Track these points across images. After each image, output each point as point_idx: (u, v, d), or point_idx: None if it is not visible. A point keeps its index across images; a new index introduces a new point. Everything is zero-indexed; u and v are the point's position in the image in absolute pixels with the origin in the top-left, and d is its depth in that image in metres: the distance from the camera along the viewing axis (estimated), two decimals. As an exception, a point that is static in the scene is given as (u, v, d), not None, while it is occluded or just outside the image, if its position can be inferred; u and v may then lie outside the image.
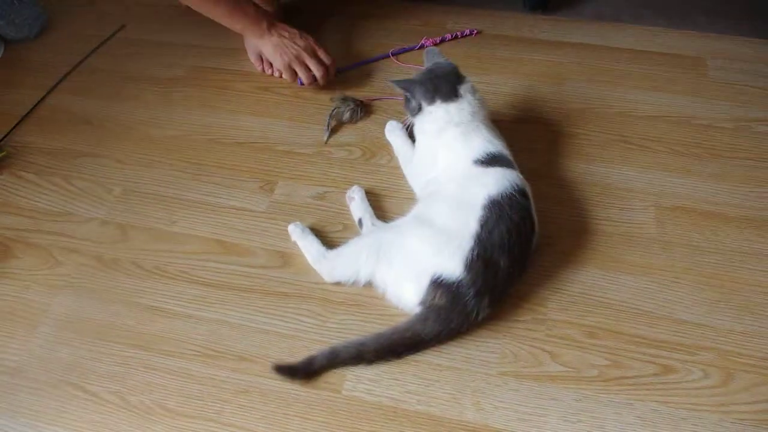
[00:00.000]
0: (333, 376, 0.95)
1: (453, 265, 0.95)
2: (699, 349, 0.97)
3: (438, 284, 0.95)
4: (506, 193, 1.00)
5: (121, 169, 1.27)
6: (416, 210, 1.06)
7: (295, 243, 1.10)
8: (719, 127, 1.31)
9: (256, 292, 1.06)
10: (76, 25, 1.62)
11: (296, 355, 0.97)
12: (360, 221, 1.11)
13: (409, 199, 1.17)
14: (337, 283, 1.05)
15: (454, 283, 0.94)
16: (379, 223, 1.11)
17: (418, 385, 0.94)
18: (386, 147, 1.28)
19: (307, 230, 1.10)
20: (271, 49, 1.39)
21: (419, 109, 1.12)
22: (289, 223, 1.13)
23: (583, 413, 0.91)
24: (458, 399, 0.93)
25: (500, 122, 1.27)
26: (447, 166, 1.09)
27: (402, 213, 1.14)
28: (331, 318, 1.02)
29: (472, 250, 0.95)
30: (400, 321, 0.97)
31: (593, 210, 1.16)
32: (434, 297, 0.95)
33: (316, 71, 1.35)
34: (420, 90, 1.11)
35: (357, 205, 1.13)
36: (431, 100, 1.10)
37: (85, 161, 1.29)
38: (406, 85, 1.13)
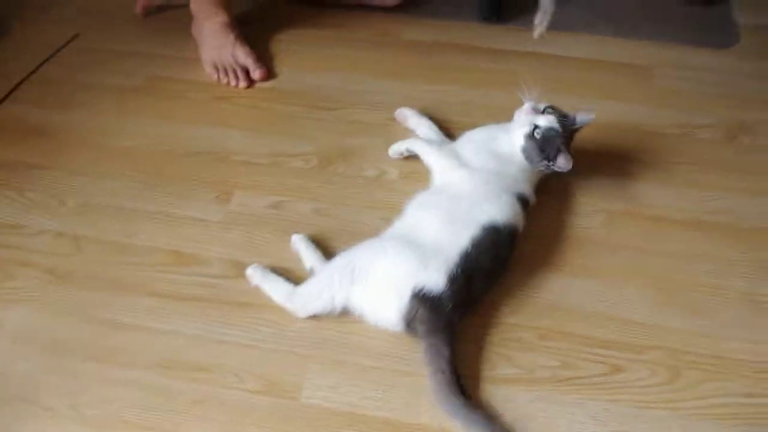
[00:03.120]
0: (290, 385, 0.96)
1: (437, 278, 0.96)
2: (646, 349, 1.01)
3: (420, 297, 0.95)
4: (508, 226, 1.05)
5: (75, 180, 1.26)
6: (393, 229, 1.07)
7: (256, 287, 1.07)
8: (665, 133, 1.35)
9: (212, 302, 1.06)
10: (28, 33, 1.60)
11: (252, 365, 0.98)
12: (312, 270, 1.07)
13: (367, 207, 1.19)
14: (312, 317, 1.02)
15: (436, 296, 0.96)
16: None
17: (376, 390, 0.95)
18: (343, 156, 1.29)
19: (267, 270, 1.07)
20: (209, 37, 1.45)
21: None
22: (247, 236, 1.14)
23: (537, 412, 0.93)
24: (414, 404, 0.94)
25: (453, 130, 1.31)
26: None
27: (359, 222, 1.17)
28: (288, 326, 1.02)
29: (458, 266, 0.98)
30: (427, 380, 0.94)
31: (544, 216, 1.19)
32: (416, 311, 0.95)
33: (238, 83, 1.44)
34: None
35: (306, 254, 1.10)
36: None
37: (38, 173, 1.27)
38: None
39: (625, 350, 1.00)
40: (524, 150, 1.14)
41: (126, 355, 1.00)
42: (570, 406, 0.94)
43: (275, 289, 1.05)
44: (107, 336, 1.02)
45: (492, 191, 1.09)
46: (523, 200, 1.11)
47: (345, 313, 1.02)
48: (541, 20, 1.26)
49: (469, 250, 0.99)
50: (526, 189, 1.13)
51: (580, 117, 1.17)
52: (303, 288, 1.03)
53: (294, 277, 1.07)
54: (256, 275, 1.07)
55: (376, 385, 0.96)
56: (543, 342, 1.01)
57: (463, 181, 1.11)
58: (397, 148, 1.26)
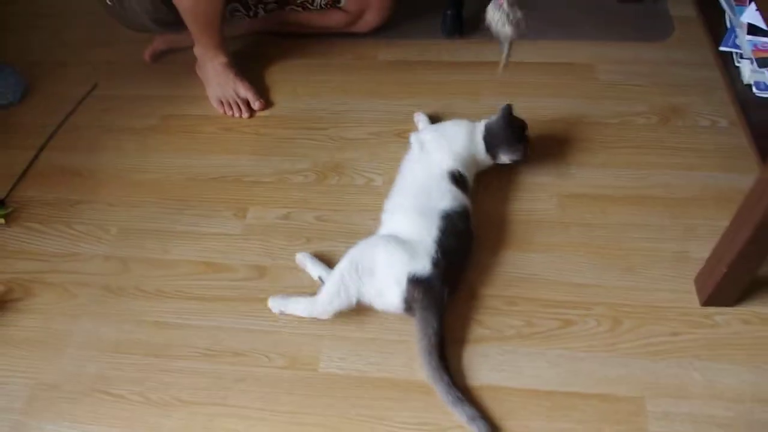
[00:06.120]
0: (309, 359, 1.20)
1: (424, 264, 1.19)
2: (593, 305, 1.24)
3: (414, 281, 1.18)
4: (457, 209, 1.28)
5: (113, 211, 1.50)
6: (380, 230, 1.29)
7: (281, 313, 1.25)
8: (607, 123, 1.58)
9: (240, 300, 1.30)
10: (54, 87, 1.84)
11: (278, 346, 1.22)
12: (320, 278, 1.28)
13: (359, 210, 1.42)
14: (337, 313, 1.21)
15: (426, 278, 1.18)
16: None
17: (378, 357, 1.20)
18: (335, 169, 1.53)
19: (285, 296, 1.25)
20: (213, 76, 1.68)
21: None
22: (264, 244, 1.39)
23: (506, 364, 1.17)
24: (410, 364, 1.18)
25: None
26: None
27: (354, 223, 1.40)
28: (303, 314, 1.27)
29: (436, 251, 1.21)
30: (415, 344, 1.17)
31: (507, 203, 1.42)
32: (413, 293, 1.18)
33: (241, 114, 1.67)
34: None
35: (311, 268, 1.31)
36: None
37: (81, 208, 1.51)
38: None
39: (575, 307, 1.24)
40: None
41: (177, 349, 1.24)
42: (532, 356, 1.18)
43: (297, 307, 1.24)
44: (159, 335, 1.26)
45: (434, 181, 1.33)
46: (456, 178, 1.33)
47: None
48: (504, 53, 1.47)
49: (440, 237, 1.23)
50: (458, 166, 1.35)
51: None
52: (321, 295, 1.20)
53: (306, 277, 1.31)
54: (276, 304, 1.26)
55: (377, 353, 1.20)
56: (510, 307, 1.25)
57: (414, 173, 1.37)
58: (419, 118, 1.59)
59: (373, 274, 1.19)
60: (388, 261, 1.20)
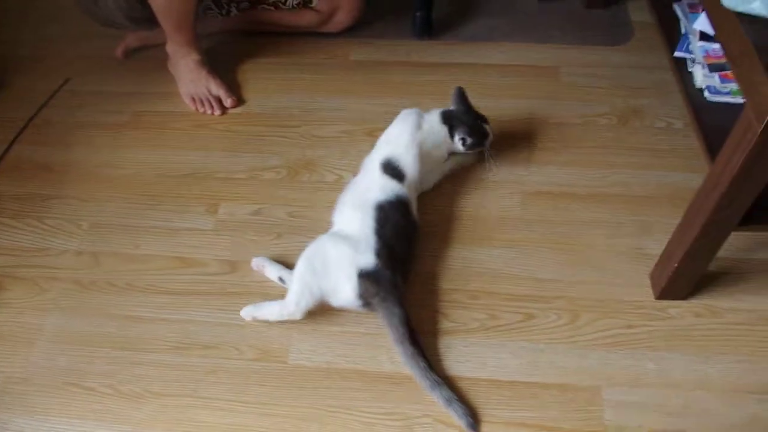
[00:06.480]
0: (279, 351, 1.23)
1: (368, 257, 1.23)
2: (553, 299, 1.29)
3: (364, 275, 1.21)
4: (391, 199, 1.31)
5: (85, 206, 1.51)
6: (331, 230, 1.33)
7: (254, 319, 1.27)
8: (570, 123, 1.64)
9: (212, 294, 1.33)
10: (25, 82, 1.83)
11: (249, 339, 1.25)
12: (281, 279, 1.31)
13: (330, 207, 1.44)
14: (307, 312, 1.23)
15: (373, 270, 1.22)
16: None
17: (345, 349, 1.23)
18: (306, 166, 1.56)
19: (258, 304, 1.27)
20: (185, 73, 1.69)
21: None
22: (235, 239, 1.41)
23: (470, 355, 1.22)
24: (376, 356, 1.22)
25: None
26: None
27: (324, 219, 1.43)
28: (273, 307, 1.30)
29: (377, 242, 1.24)
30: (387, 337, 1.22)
31: (471, 200, 1.47)
32: (366, 287, 1.21)
33: (213, 111, 1.69)
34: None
35: (270, 270, 1.33)
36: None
37: (53, 203, 1.52)
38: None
39: (537, 301, 1.29)
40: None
41: (147, 342, 1.26)
42: (495, 348, 1.23)
43: (270, 310, 1.26)
44: (131, 328, 1.28)
45: (368, 174, 1.37)
46: (388, 168, 1.36)
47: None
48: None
49: (377, 228, 1.26)
50: (393, 155, 1.38)
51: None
52: (289, 297, 1.23)
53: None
54: (249, 312, 1.27)
55: (345, 345, 1.24)
56: (473, 301, 1.30)
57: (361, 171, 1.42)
58: None
59: (326, 273, 1.22)
60: (337, 259, 1.23)
